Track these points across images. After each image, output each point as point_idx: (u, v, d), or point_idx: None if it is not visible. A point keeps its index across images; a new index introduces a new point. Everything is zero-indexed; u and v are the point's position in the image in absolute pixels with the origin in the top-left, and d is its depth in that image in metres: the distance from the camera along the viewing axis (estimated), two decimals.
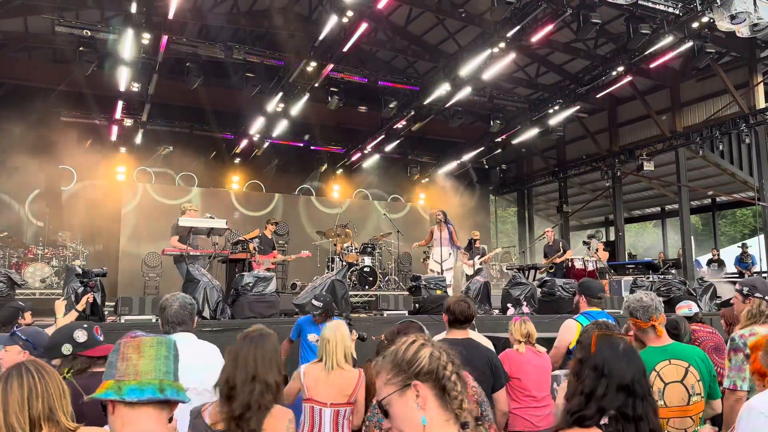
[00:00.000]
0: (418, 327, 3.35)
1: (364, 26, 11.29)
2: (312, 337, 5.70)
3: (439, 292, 8.52)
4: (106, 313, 7.70)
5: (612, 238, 19.91)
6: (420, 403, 1.44)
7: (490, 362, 3.46)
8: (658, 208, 23.11)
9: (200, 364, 3.09)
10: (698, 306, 9.56)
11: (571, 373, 2.10)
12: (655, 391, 3.02)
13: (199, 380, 3.05)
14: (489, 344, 4.13)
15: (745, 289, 3.60)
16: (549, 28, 11.38)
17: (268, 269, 9.47)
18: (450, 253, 11.12)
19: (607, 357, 1.95)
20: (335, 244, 13.16)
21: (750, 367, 2.59)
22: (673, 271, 14.03)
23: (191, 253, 8.37)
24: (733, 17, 10.61)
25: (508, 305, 7.35)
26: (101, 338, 2.86)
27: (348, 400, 3.57)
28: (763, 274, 14.65)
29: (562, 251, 12.48)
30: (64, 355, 2.73)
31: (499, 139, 17.24)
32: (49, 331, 4.58)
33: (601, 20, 11.55)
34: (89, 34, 11.59)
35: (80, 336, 2.76)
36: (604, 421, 1.84)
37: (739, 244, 18.53)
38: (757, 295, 3.51)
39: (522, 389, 4.13)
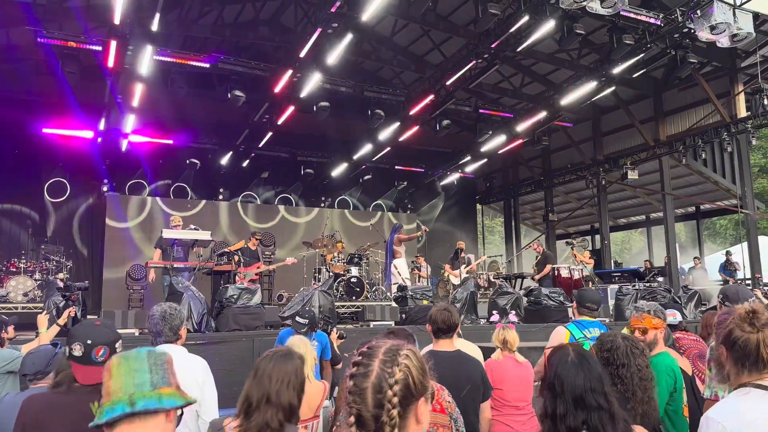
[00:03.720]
0: (405, 335, 3.31)
1: (349, 37, 11.32)
2: None
3: (425, 302, 8.51)
4: None
5: (598, 246, 20.02)
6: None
7: (482, 374, 3.47)
8: (644, 216, 23.30)
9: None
10: (683, 314, 9.68)
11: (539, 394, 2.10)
12: (684, 388, 3.19)
13: None
14: (478, 352, 4.11)
15: (719, 297, 3.68)
16: (532, 40, 11.45)
17: (251, 281, 9.41)
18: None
19: (558, 372, 1.95)
20: (323, 255, 13.09)
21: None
22: (660, 279, 14.15)
23: (175, 266, 8.30)
24: (713, 28, 10.78)
25: (494, 312, 7.37)
26: (99, 359, 2.48)
27: (315, 413, 3.53)
28: (747, 282, 14.77)
29: (540, 267, 12.74)
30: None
31: (485, 149, 17.30)
32: (30, 346, 4.52)
33: (584, 31, 11.67)
34: (73, 45, 11.51)
35: (76, 350, 2.47)
36: None
37: (723, 251, 18.70)
38: (727, 303, 3.56)
39: (503, 399, 4.10)
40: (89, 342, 2.51)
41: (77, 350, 2.48)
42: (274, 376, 2.36)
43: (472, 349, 4.04)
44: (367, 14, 10.64)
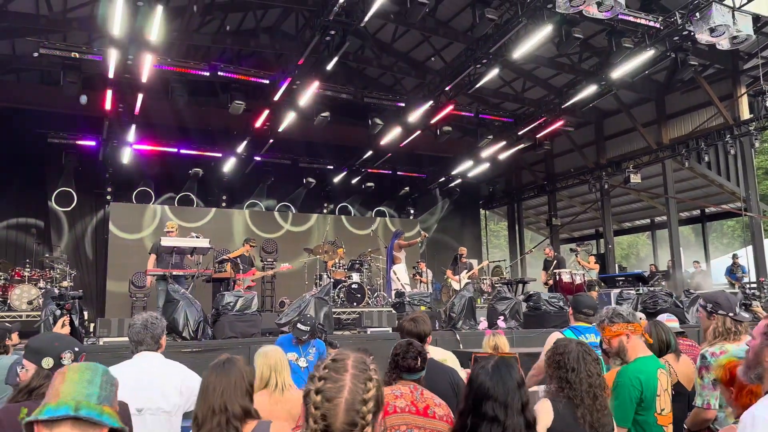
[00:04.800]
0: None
1: (347, 44, 11.35)
2: (291, 356, 5.68)
3: (423, 308, 8.49)
4: (92, 334, 7.66)
5: (602, 250, 19.92)
6: None
7: (451, 383, 3.41)
8: (648, 220, 23.17)
9: (155, 384, 3.06)
10: (684, 318, 9.60)
11: None
12: (659, 396, 3.06)
13: (152, 400, 3.03)
14: (452, 358, 4.08)
15: (709, 306, 3.47)
16: (530, 44, 11.44)
17: (248, 287, 9.43)
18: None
19: (475, 373, 1.98)
20: (325, 261, 13.10)
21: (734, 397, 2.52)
22: (664, 283, 14.05)
23: (174, 273, 8.33)
24: (712, 30, 10.73)
25: (480, 319, 7.32)
26: None
27: (297, 422, 3.53)
28: (752, 285, 14.64)
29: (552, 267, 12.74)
30: (41, 366, 2.54)
31: (486, 154, 17.28)
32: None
33: (583, 35, 11.65)
34: (75, 56, 11.61)
35: (66, 358, 2.55)
36: None
37: (730, 254, 18.52)
38: (720, 312, 3.42)
39: None
40: (77, 349, 2.61)
41: (68, 359, 2.54)
42: (218, 388, 2.41)
43: (448, 357, 4.02)
44: (365, 21, 10.69)
